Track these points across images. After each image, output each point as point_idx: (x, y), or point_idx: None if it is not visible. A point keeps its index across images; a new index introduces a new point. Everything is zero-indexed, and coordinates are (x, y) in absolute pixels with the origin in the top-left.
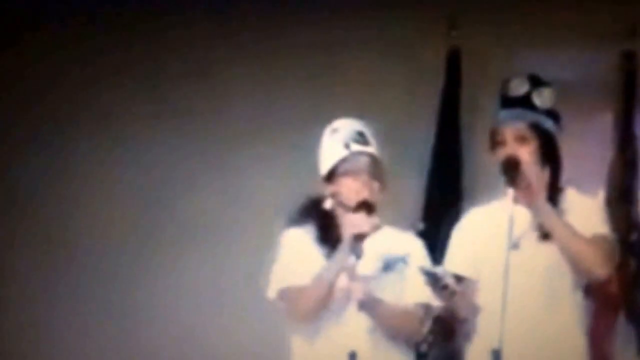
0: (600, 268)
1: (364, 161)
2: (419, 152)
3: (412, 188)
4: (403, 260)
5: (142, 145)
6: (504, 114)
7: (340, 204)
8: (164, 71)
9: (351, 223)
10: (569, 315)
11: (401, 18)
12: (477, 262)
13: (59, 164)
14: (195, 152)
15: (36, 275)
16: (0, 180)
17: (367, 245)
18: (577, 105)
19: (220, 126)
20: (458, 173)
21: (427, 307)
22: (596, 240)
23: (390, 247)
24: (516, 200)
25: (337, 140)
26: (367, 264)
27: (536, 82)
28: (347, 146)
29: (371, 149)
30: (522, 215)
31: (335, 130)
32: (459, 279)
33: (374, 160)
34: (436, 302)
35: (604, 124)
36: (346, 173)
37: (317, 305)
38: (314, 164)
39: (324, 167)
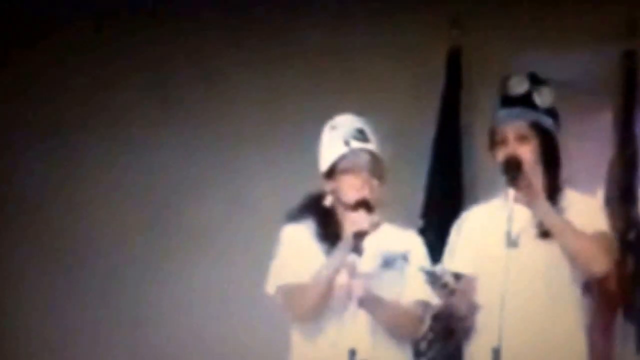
0: (600, 265)
1: (364, 158)
2: (419, 150)
3: (412, 186)
4: (403, 257)
5: (149, 150)
6: (503, 113)
7: (340, 201)
8: (171, 76)
9: (351, 221)
10: (568, 313)
11: (402, 18)
12: (476, 260)
13: (66, 169)
14: (202, 156)
15: (43, 280)
16: (6, 185)
17: (367, 242)
18: (577, 104)
19: (227, 131)
20: (458, 171)
21: (426, 305)
22: (596, 237)
23: (390, 245)
24: (516, 199)
25: (337, 136)
26: (367, 262)
27: (535, 81)
28: (347, 143)
29: (371, 146)
30: (522, 214)
31: (335, 127)
32: (457, 276)
33: (374, 157)
34: (436, 300)
35: (604, 124)
36: (346, 170)
37: (317, 304)
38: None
39: (324, 164)
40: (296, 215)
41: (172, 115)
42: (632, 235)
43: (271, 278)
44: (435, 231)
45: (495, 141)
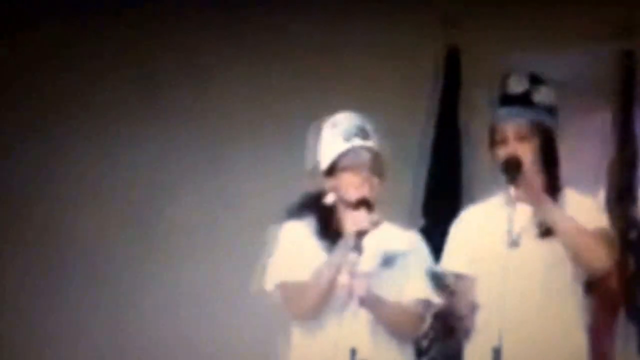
0: (602, 261)
1: (365, 156)
2: (419, 149)
3: (411, 185)
4: (404, 256)
5: (134, 147)
6: (503, 111)
7: (340, 199)
8: (158, 72)
9: (352, 220)
10: (569, 313)
11: (401, 16)
12: (476, 260)
13: (48, 167)
14: (188, 154)
15: (24, 280)
16: None
17: (368, 241)
18: (576, 104)
19: (213, 128)
20: (457, 170)
21: (427, 304)
22: (597, 233)
23: (391, 244)
24: (517, 198)
25: (338, 134)
26: (368, 261)
27: (535, 79)
28: (348, 140)
29: (372, 143)
30: (521, 213)
31: (335, 124)
32: (458, 276)
33: (375, 154)
34: (436, 299)
35: (604, 123)
36: (346, 168)
37: (317, 303)
38: (311, 161)
39: (325, 161)
40: (296, 212)
41: (158, 112)
42: (633, 235)
43: (269, 275)
44: (436, 230)
45: (495, 140)
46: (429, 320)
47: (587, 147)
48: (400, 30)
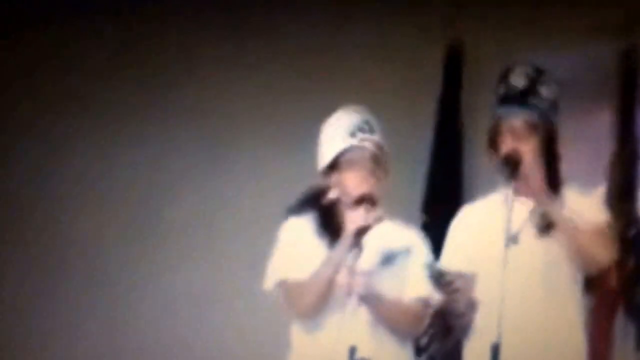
0: (604, 257)
1: (368, 151)
2: (420, 146)
3: (412, 182)
4: (404, 253)
5: (134, 147)
6: (506, 107)
7: (343, 194)
8: (159, 72)
9: (353, 217)
10: (567, 310)
11: (401, 15)
12: (475, 257)
13: (50, 165)
14: (186, 154)
15: (21, 281)
16: None
17: (368, 238)
18: (577, 102)
19: (212, 129)
20: (458, 167)
21: (427, 302)
22: (598, 229)
23: (391, 241)
24: (517, 193)
25: (342, 128)
26: (368, 258)
27: (538, 73)
28: (352, 135)
29: (377, 137)
30: (520, 210)
31: (340, 118)
32: (456, 274)
33: (379, 149)
34: (437, 297)
35: (604, 122)
36: (349, 163)
37: (317, 301)
38: (315, 157)
39: (328, 156)
40: (297, 208)
41: (157, 112)
42: (632, 233)
43: (269, 272)
44: (436, 228)
45: (496, 135)
46: (428, 318)
47: (587, 144)
48: (402, 31)
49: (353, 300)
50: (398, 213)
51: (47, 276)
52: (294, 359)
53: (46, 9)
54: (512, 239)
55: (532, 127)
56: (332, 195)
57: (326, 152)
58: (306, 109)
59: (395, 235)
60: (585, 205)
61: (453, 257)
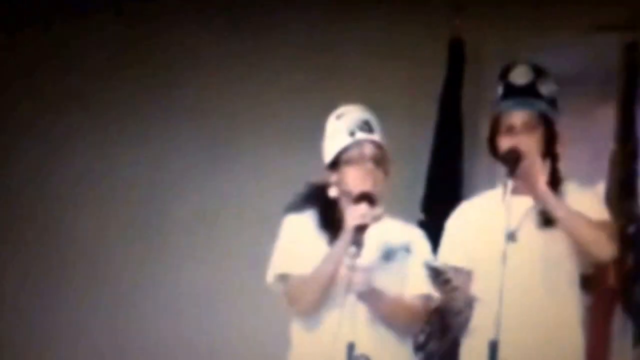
0: (607, 251)
1: (368, 149)
2: (420, 144)
3: (412, 180)
4: (405, 250)
5: (137, 145)
6: (509, 102)
7: (344, 192)
8: (162, 69)
9: (352, 214)
10: (566, 307)
11: (402, 14)
12: (473, 254)
13: (50, 165)
14: (189, 153)
15: (24, 279)
16: None
17: (368, 235)
18: (578, 96)
19: (216, 127)
20: (458, 165)
21: (427, 299)
22: (599, 224)
23: (391, 238)
24: (516, 190)
25: (342, 127)
26: (368, 255)
27: (538, 71)
28: (352, 134)
29: (376, 136)
30: (520, 206)
31: (340, 117)
32: (456, 270)
33: (379, 148)
34: (436, 294)
35: (605, 118)
36: (350, 161)
37: (316, 297)
38: (316, 154)
39: (328, 155)
40: (299, 205)
41: (158, 112)
42: (631, 230)
43: (270, 267)
44: (435, 225)
45: (498, 130)
46: (427, 315)
47: (587, 142)
48: (403, 29)
49: (352, 297)
50: (398, 211)
51: (49, 276)
52: (294, 356)
53: (46, 8)
54: (510, 236)
55: (532, 125)
56: (331, 193)
57: (327, 151)
58: (307, 108)
59: (396, 232)
60: (586, 200)
61: (451, 254)
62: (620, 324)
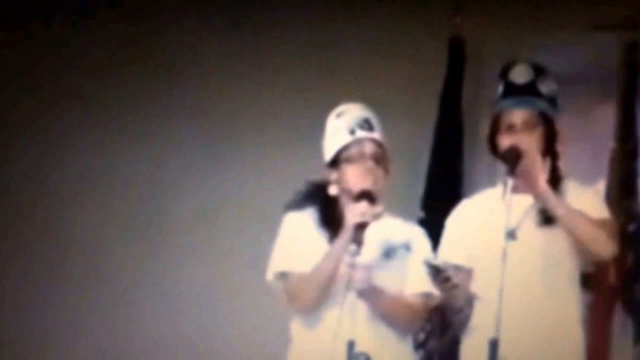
0: (608, 249)
1: (368, 147)
2: (420, 143)
3: (412, 179)
4: (405, 248)
5: (137, 144)
6: (510, 100)
7: (344, 190)
8: (162, 67)
9: (352, 212)
10: (566, 305)
11: (403, 12)
12: (473, 252)
13: (50, 165)
14: (189, 150)
15: (24, 278)
16: None
17: (369, 233)
18: (579, 95)
19: (216, 125)
20: (459, 164)
21: (427, 297)
22: (599, 223)
23: (392, 235)
24: (516, 188)
25: (342, 125)
26: (368, 252)
27: (538, 69)
28: (352, 132)
29: (376, 135)
30: (520, 204)
31: (340, 115)
32: (456, 268)
33: (379, 146)
34: (436, 292)
35: (606, 115)
36: (350, 159)
37: (317, 296)
38: (316, 152)
39: (329, 153)
40: (299, 202)
41: (158, 110)
42: (631, 228)
43: (270, 265)
44: (436, 222)
45: (498, 129)
46: (427, 313)
47: (587, 140)
48: (403, 28)
49: (352, 295)
50: (398, 209)
51: (49, 274)
52: (294, 354)
53: (47, 5)
54: (511, 234)
55: (532, 123)
56: (331, 192)
57: (327, 149)
58: (307, 106)
59: (396, 230)
60: (587, 198)
61: (451, 252)
62: (620, 322)
